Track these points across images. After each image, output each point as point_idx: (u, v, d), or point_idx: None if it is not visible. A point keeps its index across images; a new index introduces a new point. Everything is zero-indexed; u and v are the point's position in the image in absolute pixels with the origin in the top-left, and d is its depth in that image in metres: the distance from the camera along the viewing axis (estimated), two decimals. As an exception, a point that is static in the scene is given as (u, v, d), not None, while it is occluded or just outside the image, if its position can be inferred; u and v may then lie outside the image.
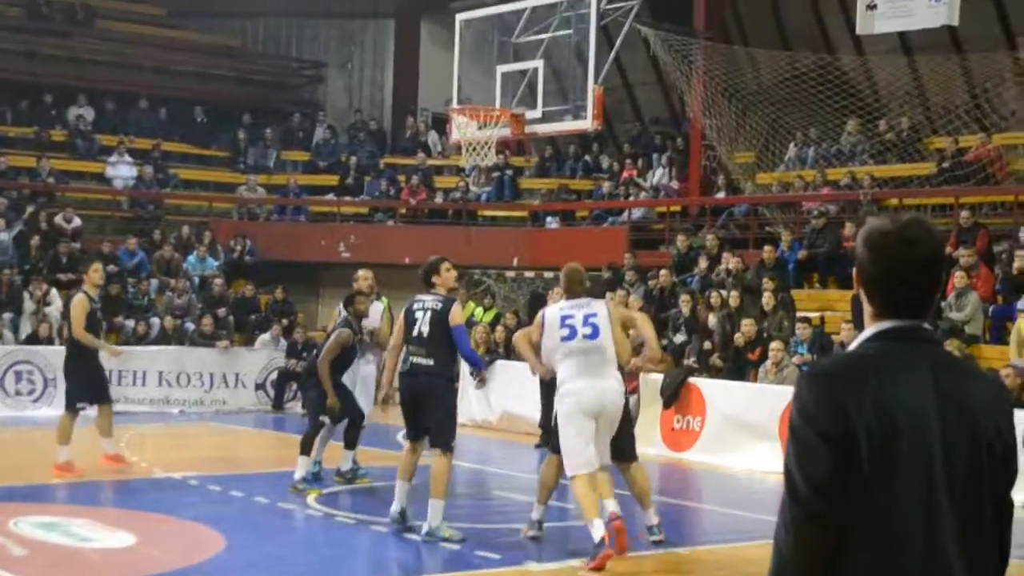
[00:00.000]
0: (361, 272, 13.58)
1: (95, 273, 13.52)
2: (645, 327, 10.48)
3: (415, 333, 10.24)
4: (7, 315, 20.74)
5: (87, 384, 13.25)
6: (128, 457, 14.17)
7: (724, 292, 18.67)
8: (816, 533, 2.87)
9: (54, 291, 21.58)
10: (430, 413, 10.27)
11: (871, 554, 2.87)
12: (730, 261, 19.82)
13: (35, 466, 14.53)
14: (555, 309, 10.05)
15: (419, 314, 10.28)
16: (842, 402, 2.88)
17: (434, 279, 10.47)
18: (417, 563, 9.77)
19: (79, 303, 13.13)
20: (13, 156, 26.55)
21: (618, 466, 10.23)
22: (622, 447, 10.14)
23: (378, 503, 11.33)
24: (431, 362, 10.22)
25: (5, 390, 19.44)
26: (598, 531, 9.32)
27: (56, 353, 19.77)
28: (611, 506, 9.65)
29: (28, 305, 21.21)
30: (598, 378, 9.73)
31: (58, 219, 24.28)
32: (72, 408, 13.18)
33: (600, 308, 9.90)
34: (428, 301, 10.36)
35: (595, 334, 9.75)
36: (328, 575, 9.49)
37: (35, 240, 23.09)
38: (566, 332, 9.77)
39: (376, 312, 13.36)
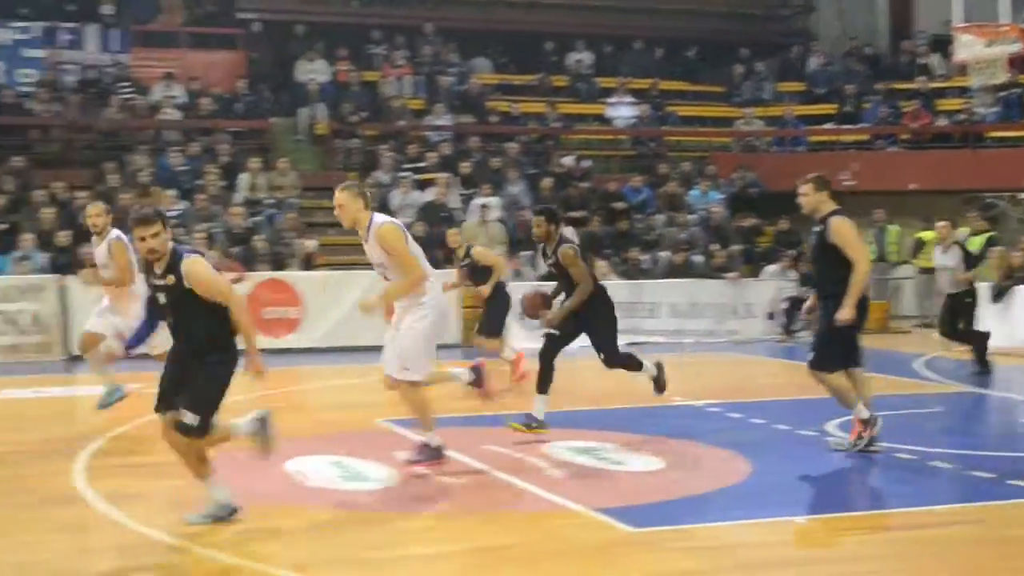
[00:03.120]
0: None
1: None
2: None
3: None
4: (525, 253, 21.78)
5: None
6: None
7: None
8: None
9: (567, 230, 22.48)
10: None
11: None
12: None
13: (564, 393, 15.28)
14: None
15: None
16: None
17: None
18: (950, 492, 9.55)
19: None
20: (521, 103, 27.78)
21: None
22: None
23: (904, 431, 11.13)
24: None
25: (530, 323, 20.35)
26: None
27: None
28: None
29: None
30: None
31: (567, 161, 25.29)
32: None
33: None
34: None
35: None
36: (857, 502, 9.46)
37: (547, 182, 24.12)
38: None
39: None
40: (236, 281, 15.39)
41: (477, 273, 15.45)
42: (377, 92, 27.12)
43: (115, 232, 12.44)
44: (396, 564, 7.24)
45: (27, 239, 19.59)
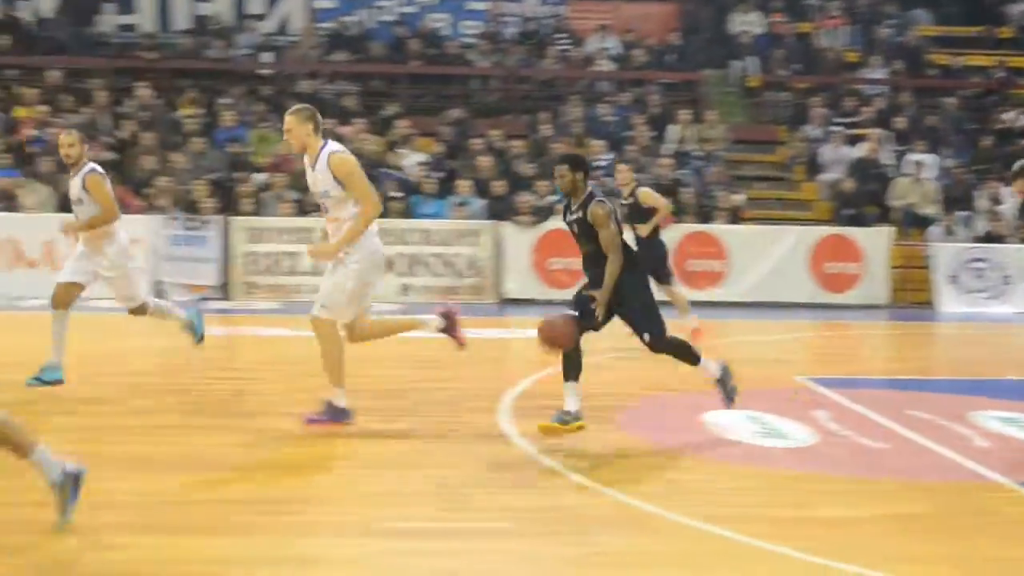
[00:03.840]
0: None
1: None
2: None
3: None
4: (960, 213, 21.01)
5: None
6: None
7: None
8: None
9: (1005, 190, 21.56)
10: None
11: None
12: None
13: (996, 361, 14.70)
14: None
15: None
16: None
17: None
18: None
19: None
20: (963, 55, 26.69)
21: None
22: None
23: None
24: None
25: (961, 286, 19.83)
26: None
27: (1012, 251, 19.92)
28: None
29: (981, 204, 21.38)
30: None
31: (1008, 116, 24.22)
32: None
33: None
34: None
35: None
36: None
37: (987, 140, 23.18)
38: None
39: None
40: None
41: (638, 214, 14.93)
42: (810, 44, 26.69)
43: (90, 164, 11.01)
44: (803, 524, 7.17)
45: (464, 185, 20.44)
